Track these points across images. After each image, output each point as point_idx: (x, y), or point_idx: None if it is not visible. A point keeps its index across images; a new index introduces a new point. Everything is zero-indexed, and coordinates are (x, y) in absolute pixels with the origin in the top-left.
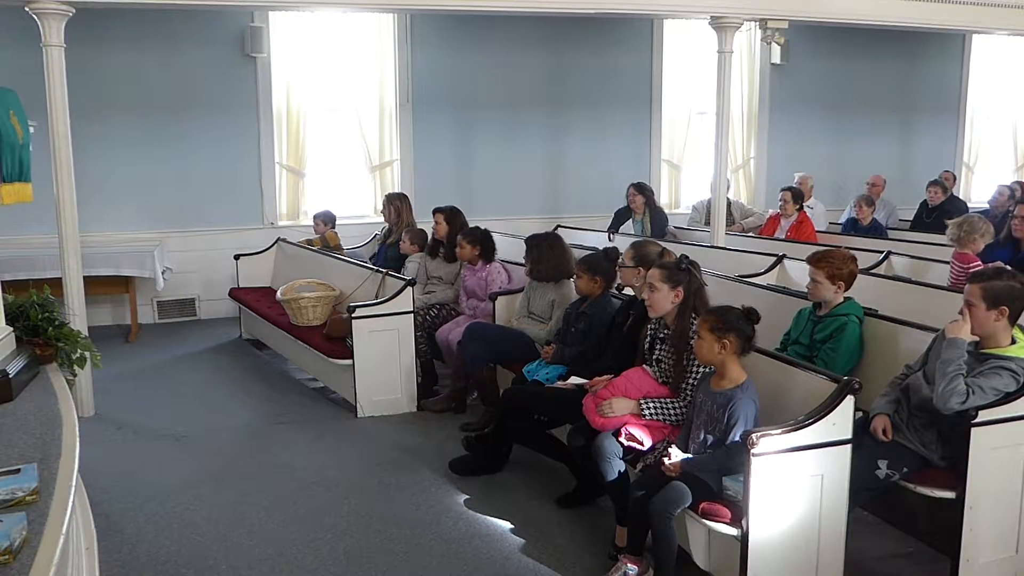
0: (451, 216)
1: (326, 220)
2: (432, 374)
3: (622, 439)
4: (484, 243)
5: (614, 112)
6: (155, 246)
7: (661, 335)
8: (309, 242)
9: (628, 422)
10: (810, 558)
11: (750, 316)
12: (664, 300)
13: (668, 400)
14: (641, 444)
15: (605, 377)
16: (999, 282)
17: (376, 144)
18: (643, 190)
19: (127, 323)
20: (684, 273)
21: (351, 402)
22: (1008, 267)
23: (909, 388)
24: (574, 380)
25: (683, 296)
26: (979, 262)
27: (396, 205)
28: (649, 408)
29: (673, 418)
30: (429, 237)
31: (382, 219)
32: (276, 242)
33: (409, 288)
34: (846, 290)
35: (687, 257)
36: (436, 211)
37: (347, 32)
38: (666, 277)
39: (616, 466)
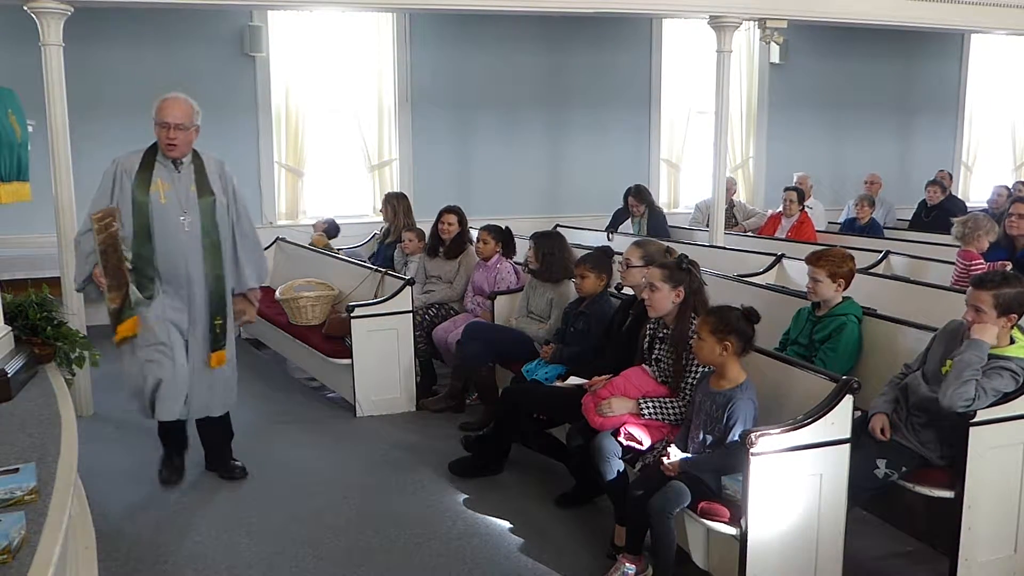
0: (462, 216)
1: (327, 230)
2: (431, 373)
3: (621, 439)
4: (506, 241)
5: (613, 111)
6: None
7: (660, 335)
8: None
9: (627, 421)
10: (809, 557)
11: (750, 316)
12: (665, 300)
13: (667, 399)
14: (640, 444)
15: (604, 377)
16: (1009, 289)
17: (375, 143)
18: (643, 196)
19: None
20: (685, 273)
21: (350, 401)
22: (1008, 265)
23: (908, 387)
24: (573, 380)
25: (684, 296)
26: (981, 260)
27: (393, 204)
28: (648, 407)
29: (672, 417)
30: (427, 236)
31: (381, 219)
32: (275, 241)
33: (408, 287)
34: (845, 288)
35: (686, 257)
36: (448, 211)
37: (346, 31)
38: (667, 277)
39: (615, 466)
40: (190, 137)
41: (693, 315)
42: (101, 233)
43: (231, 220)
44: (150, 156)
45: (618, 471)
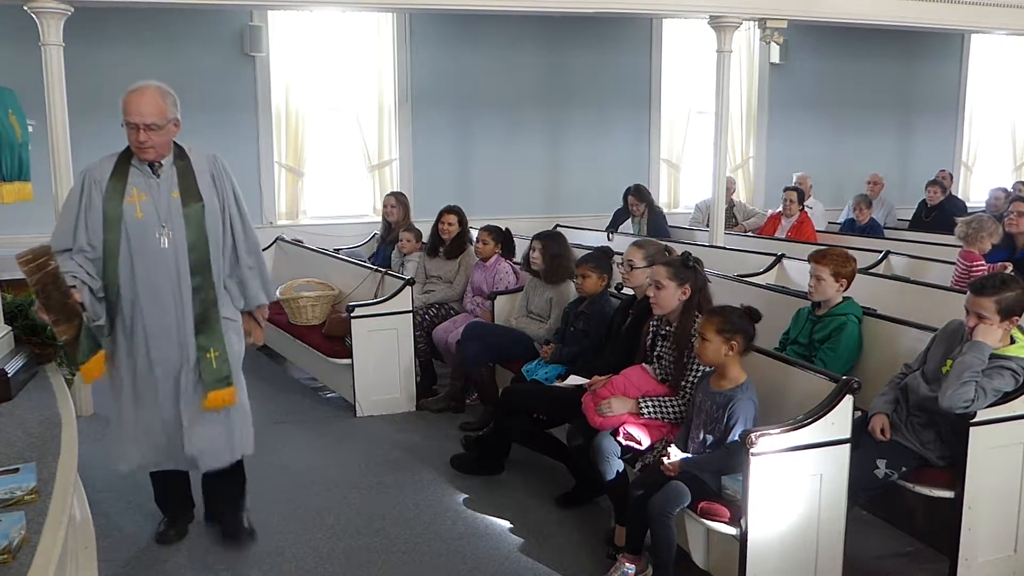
0: (463, 216)
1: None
2: (431, 373)
3: (620, 438)
4: (506, 241)
5: (613, 111)
6: None
7: (663, 332)
8: None
9: (627, 421)
10: (809, 557)
11: (752, 315)
12: (671, 297)
13: (667, 398)
14: (639, 443)
15: (604, 377)
16: (1010, 293)
17: (375, 143)
18: (642, 195)
19: None
20: (691, 271)
21: (350, 401)
22: (1009, 267)
23: (908, 388)
24: (573, 380)
25: (690, 294)
26: (983, 262)
27: (405, 204)
28: (648, 407)
29: (672, 416)
30: (425, 236)
31: (381, 219)
32: (275, 241)
33: (408, 287)
34: (846, 289)
35: (690, 254)
36: (448, 211)
37: (346, 31)
38: (673, 275)
39: (615, 465)
40: (167, 136)
41: (697, 313)
42: (34, 275)
43: (228, 228)
44: (124, 161)
45: (618, 471)
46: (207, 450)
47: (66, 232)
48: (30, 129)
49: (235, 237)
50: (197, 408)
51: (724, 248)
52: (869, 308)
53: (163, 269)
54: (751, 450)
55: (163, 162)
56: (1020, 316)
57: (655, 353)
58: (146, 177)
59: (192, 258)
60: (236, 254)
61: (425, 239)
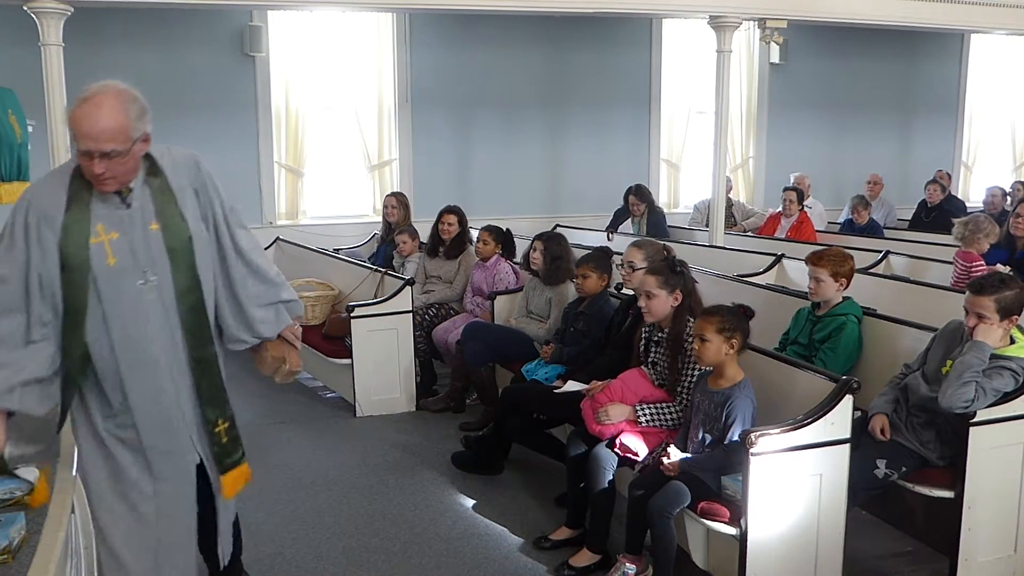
0: (462, 217)
1: None
2: (431, 373)
3: (617, 449)
4: (506, 242)
5: (613, 111)
6: None
7: (656, 338)
8: None
9: (624, 430)
10: (809, 557)
11: (747, 313)
12: (664, 305)
13: (664, 404)
14: (636, 455)
15: (602, 383)
16: (1009, 292)
17: (375, 143)
18: (643, 195)
19: None
20: (679, 276)
21: (350, 401)
22: (1005, 268)
23: (907, 388)
24: (570, 387)
25: (681, 298)
26: (982, 262)
27: (406, 205)
28: (645, 414)
29: (670, 422)
30: (425, 236)
31: (381, 219)
32: (275, 241)
33: (408, 287)
34: (846, 288)
35: (674, 257)
36: (448, 211)
37: (346, 31)
38: (663, 283)
39: (606, 479)
40: (133, 160)
41: (690, 317)
42: None
43: (220, 250)
44: (81, 186)
45: (608, 482)
46: (229, 541)
47: (12, 286)
48: (30, 129)
49: (228, 263)
50: (217, 502)
51: (724, 248)
52: (869, 308)
53: (150, 327)
54: (751, 450)
55: (132, 186)
56: (1020, 315)
57: (649, 359)
58: (113, 208)
59: (183, 307)
60: (231, 288)
61: (423, 239)
